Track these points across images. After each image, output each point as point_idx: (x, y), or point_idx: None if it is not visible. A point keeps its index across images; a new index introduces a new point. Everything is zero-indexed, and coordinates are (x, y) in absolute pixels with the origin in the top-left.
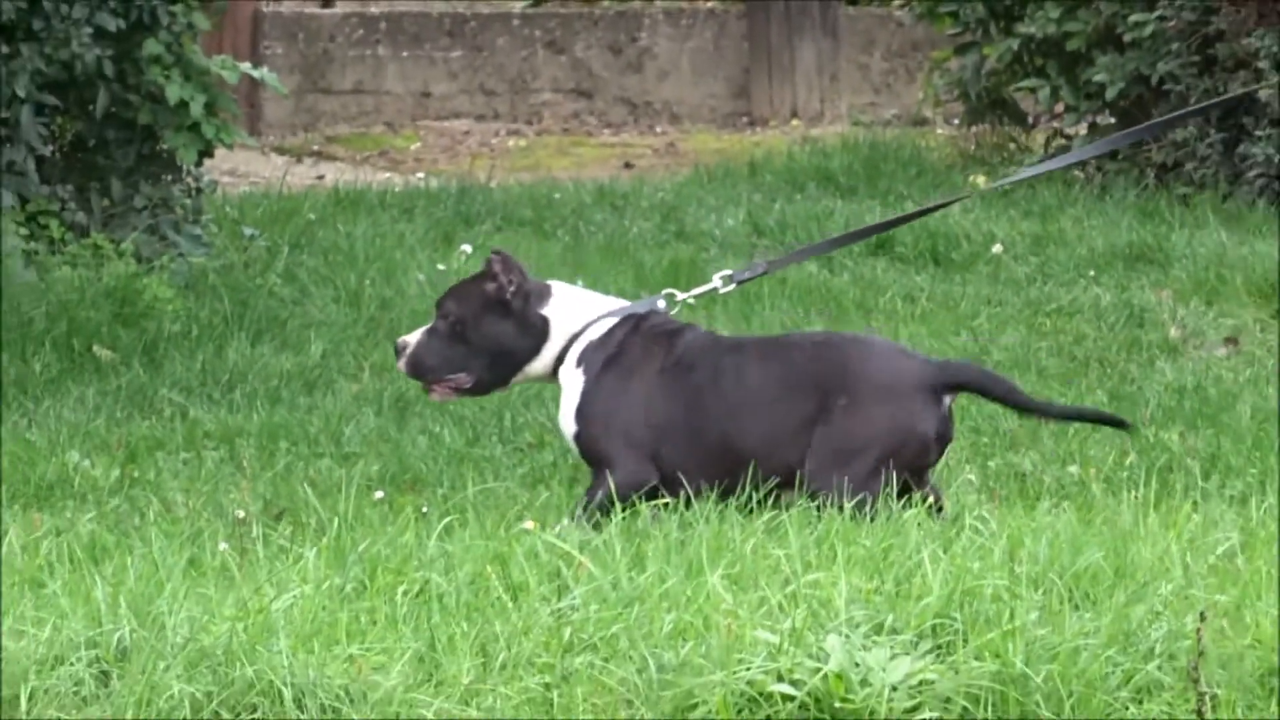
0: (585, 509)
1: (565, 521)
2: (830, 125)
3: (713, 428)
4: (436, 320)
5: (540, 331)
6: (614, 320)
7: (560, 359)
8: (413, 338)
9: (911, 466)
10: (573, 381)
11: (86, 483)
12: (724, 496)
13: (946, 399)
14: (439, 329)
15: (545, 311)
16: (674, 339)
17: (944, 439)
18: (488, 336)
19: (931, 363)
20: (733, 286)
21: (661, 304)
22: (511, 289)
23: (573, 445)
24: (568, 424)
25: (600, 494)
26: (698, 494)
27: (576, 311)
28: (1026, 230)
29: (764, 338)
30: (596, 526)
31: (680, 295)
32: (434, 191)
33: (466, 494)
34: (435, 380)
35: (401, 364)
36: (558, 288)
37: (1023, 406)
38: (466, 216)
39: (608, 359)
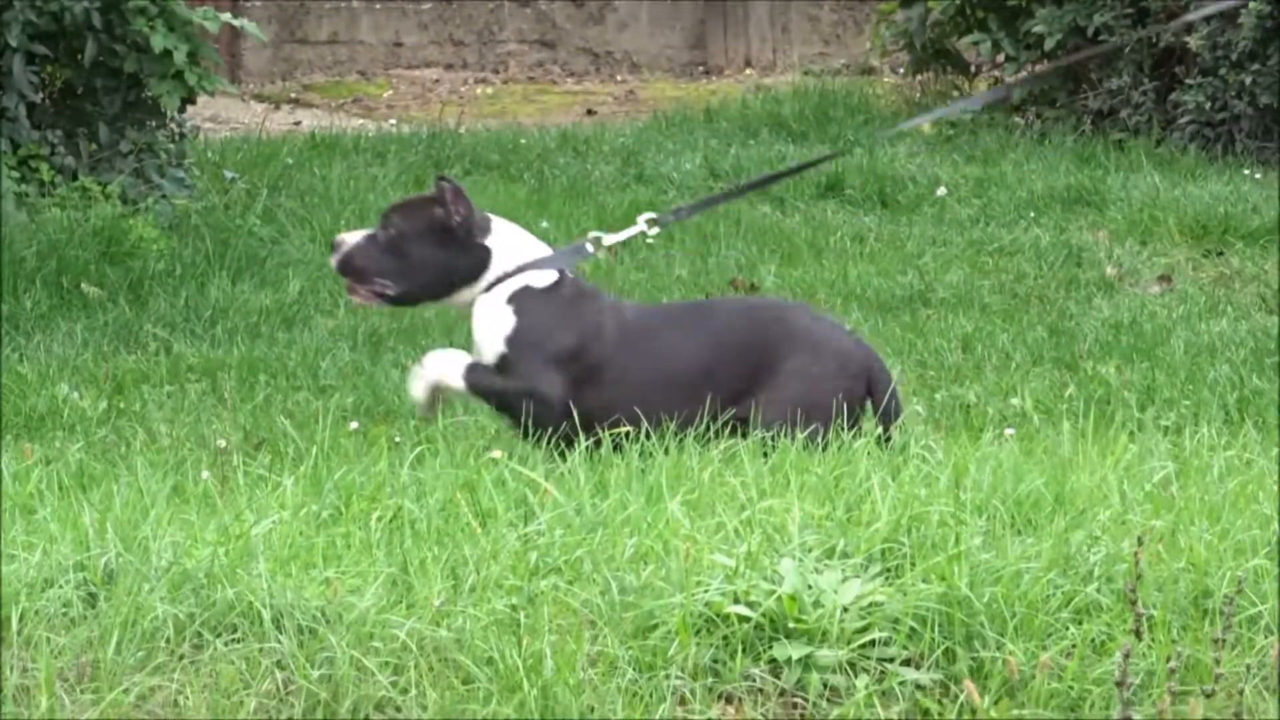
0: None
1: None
2: (782, 74)
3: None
4: (378, 229)
5: (480, 262)
6: (555, 274)
7: (486, 290)
8: (351, 238)
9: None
10: (502, 317)
11: (75, 414)
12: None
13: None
14: (379, 237)
15: (488, 243)
16: (614, 311)
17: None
18: (426, 256)
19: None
20: (655, 230)
21: (589, 247)
22: (458, 218)
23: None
24: (493, 347)
25: (536, 417)
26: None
27: (515, 250)
28: (969, 174)
29: (684, 307)
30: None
31: (606, 239)
32: (405, 137)
33: (437, 425)
34: (361, 282)
35: (334, 260)
36: (498, 223)
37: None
38: (437, 160)
39: (546, 308)
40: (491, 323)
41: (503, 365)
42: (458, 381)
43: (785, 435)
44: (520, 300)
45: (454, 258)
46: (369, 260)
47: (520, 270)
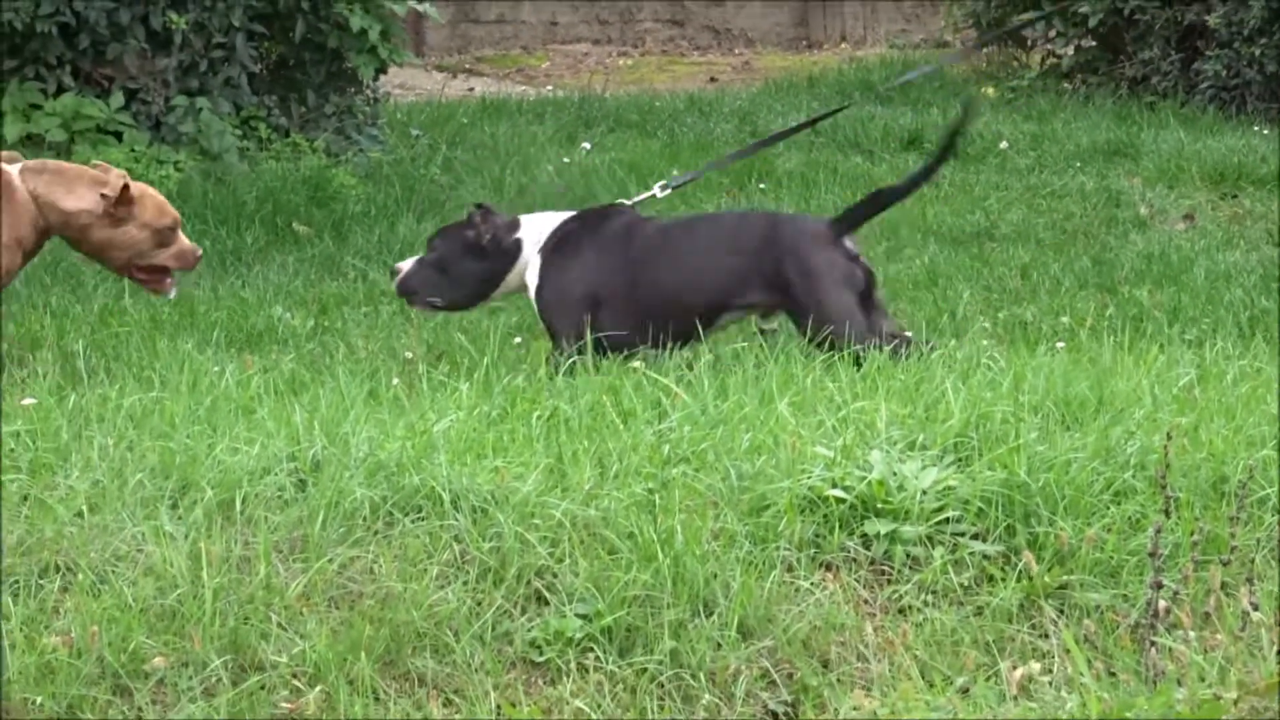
0: (554, 366)
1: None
2: (871, 47)
3: (652, 287)
4: (427, 253)
5: (511, 256)
6: (559, 220)
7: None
8: (405, 265)
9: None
10: (533, 273)
11: (288, 331)
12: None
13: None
14: (427, 260)
15: (518, 236)
16: (608, 221)
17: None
18: (464, 270)
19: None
20: (668, 191)
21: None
22: (486, 237)
23: (539, 317)
24: (535, 302)
25: (560, 356)
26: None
27: (541, 229)
28: (1026, 130)
29: (685, 217)
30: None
31: (626, 204)
32: (560, 100)
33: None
34: (415, 300)
35: (394, 285)
36: (525, 218)
37: (899, 190)
38: (586, 120)
39: (554, 246)
40: (529, 276)
41: (542, 320)
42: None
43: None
44: (545, 252)
45: (489, 265)
46: (419, 283)
47: (547, 229)
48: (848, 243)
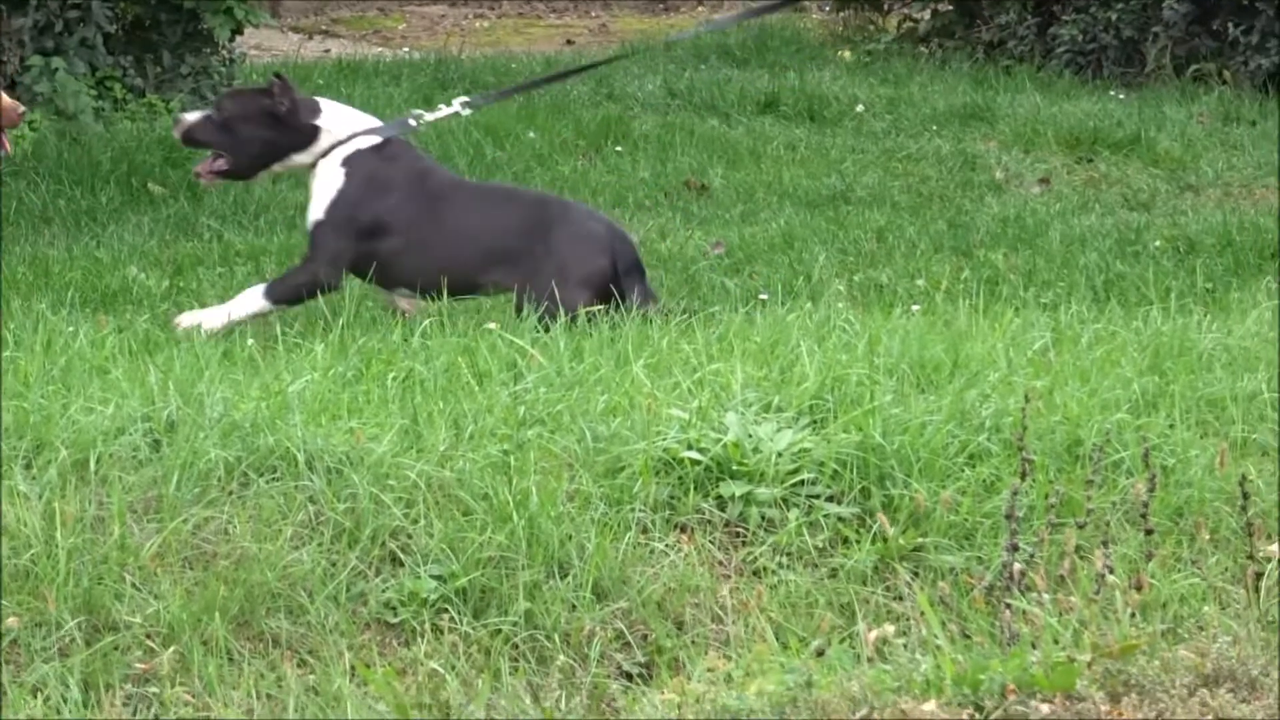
0: (279, 282)
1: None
2: (728, 10)
3: (442, 249)
4: (214, 111)
5: (308, 137)
6: (380, 139)
7: (324, 155)
8: (191, 116)
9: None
10: (333, 176)
11: (142, 291)
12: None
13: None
14: (214, 118)
15: (317, 122)
16: (427, 173)
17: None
18: (255, 136)
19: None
20: (469, 111)
21: (412, 122)
22: (284, 107)
23: (310, 227)
24: (316, 212)
25: (299, 277)
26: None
27: (344, 122)
28: (883, 94)
29: (493, 186)
30: (289, 304)
31: (427, 116)
32: (416, 62)
33: (441, 301)
34: (205, 147)
35: (176, 132)
36: (326, 103)
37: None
38: (442, 82)
39: (369, 172)
40: (323, 186)
41: (311, 233)
42: (264, 305)
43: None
44: (350, 162)
45: (280, 135)
46: (206, 136)
47: (352, 137)
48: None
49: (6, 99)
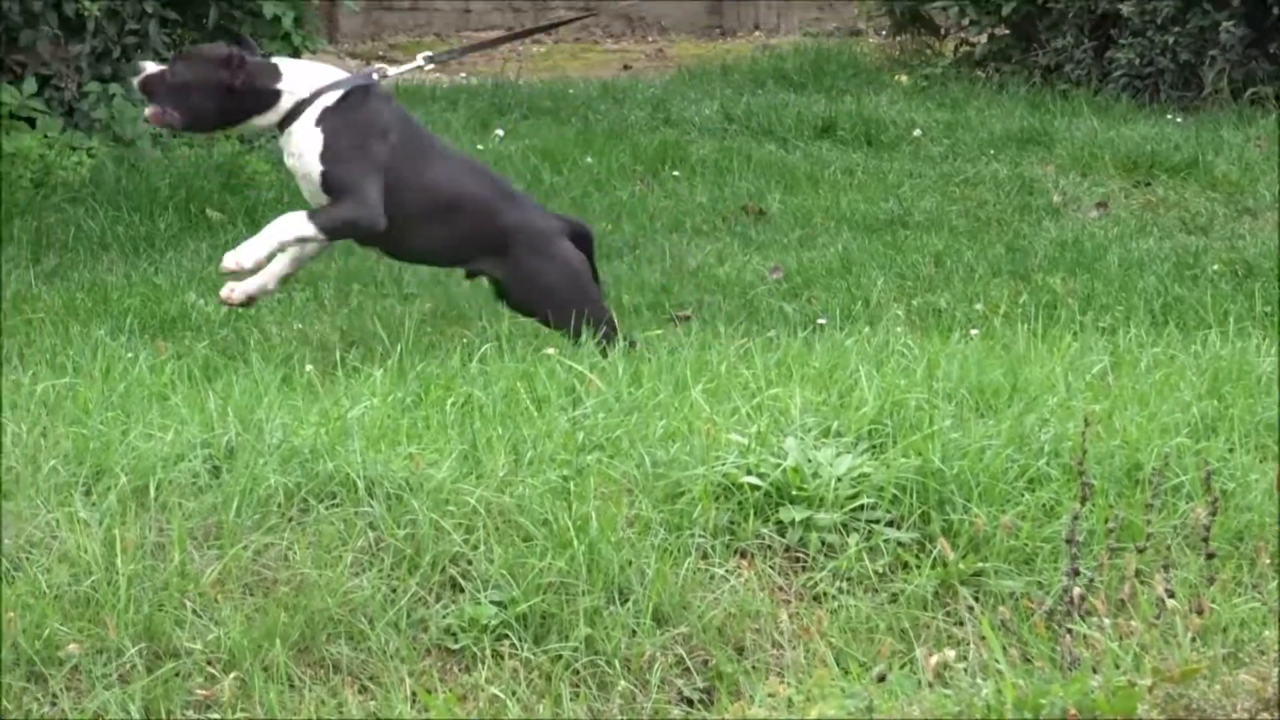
0: (326, 215)
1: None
2: (785, 35)
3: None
4: (170, 71)
5: (267, 101)
6: (343, 90)
7: (290, 118)
8: (150, 67)
9: None
10: (312, 135)
11: (201, 317)
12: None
13: None
14: (169, 79)
15: (278, 86)
16: (405, 117)
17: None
18: (205, 100)
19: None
20: (431, 66)
21: (375, 76)
22: (238, 81)
23: (317, 183)
24: (313, 167)
25: (347, 211)
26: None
27: (305, 82)
28: (940, 118)
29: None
30: (331, 233)
31: (390, 71)
32: (473, 88)
33: (501, 327)
34: (159, 103)
35: (135, 81)
36: (285, 65)
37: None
38: (499, 107)
39: (346, 119)
40: (306, 145)
41: (327, 182)
42: (307, 228)
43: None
44: (324, 119)
45: (235, 102)
46: (165, 89)
47: (316, 95)
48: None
49: None
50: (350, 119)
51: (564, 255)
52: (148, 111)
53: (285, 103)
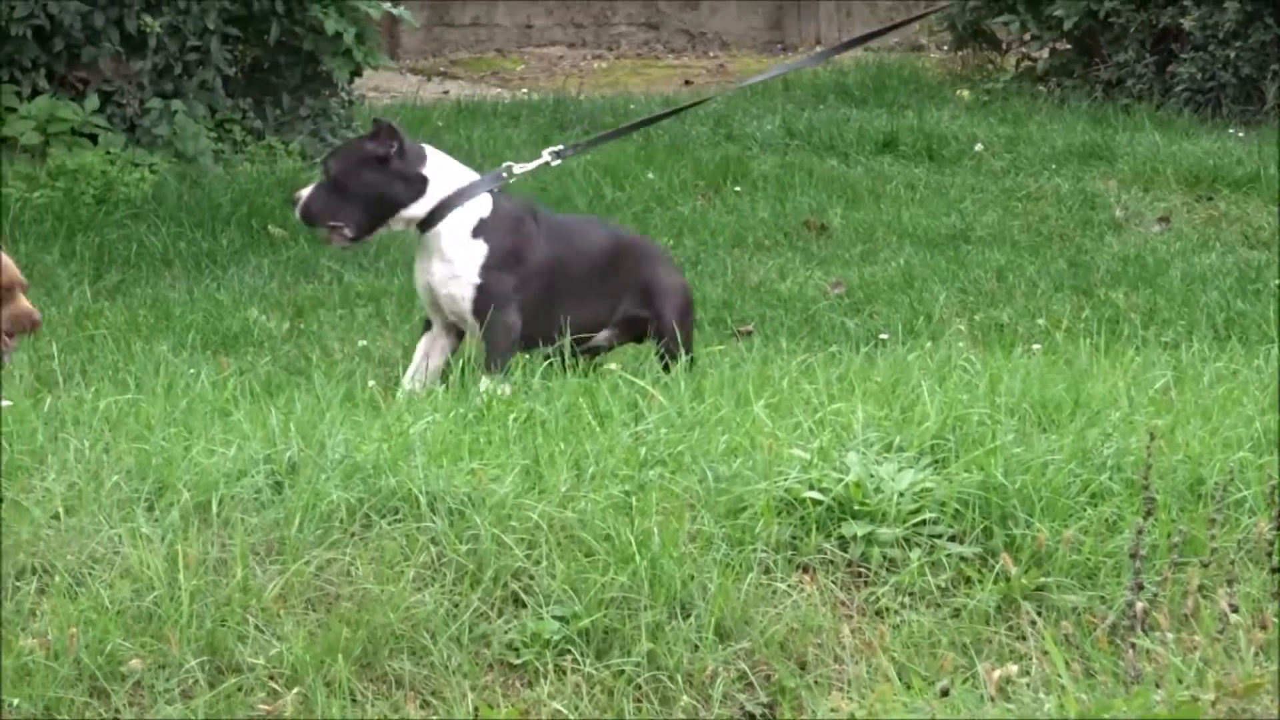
0: (499, 362)
1: (484, 380)
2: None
3: (561, 295)
4: (322, 177)
5: (418, 187)
6: (490, 196)
7: (434, 217)
8: (305, 191)
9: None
10: (469, 248)
11: (263, 333)
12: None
13: None
14: (324, 183)
15: (425, 171)
16: (539, 219)
17: None
18: (366, 187)
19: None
20: (559, 161)
21: (504, 175)
22: (392, 149)
23: (470, 293)
24: (469, 277)
25: (505, 345)
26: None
27: (449, 176)
28: (1002, 133)
29: (596, 225)
30: (505, 368)
31: (517, 168)
32: (535, 103)
33: (563, 342)
34: (323, 225)
35: (295, 212)
36: (431, 151)
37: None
38: (560, 123)
39: (504, 231)
40: (451, 258)
41: (475, 303)
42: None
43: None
44: (481, 231)
45: (391, 185)
46: (321, 205)
47: (458, 195)
48: None
49: (25, 303)
50: (503, 237)
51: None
52: (331, 244)
53: (430, 195)
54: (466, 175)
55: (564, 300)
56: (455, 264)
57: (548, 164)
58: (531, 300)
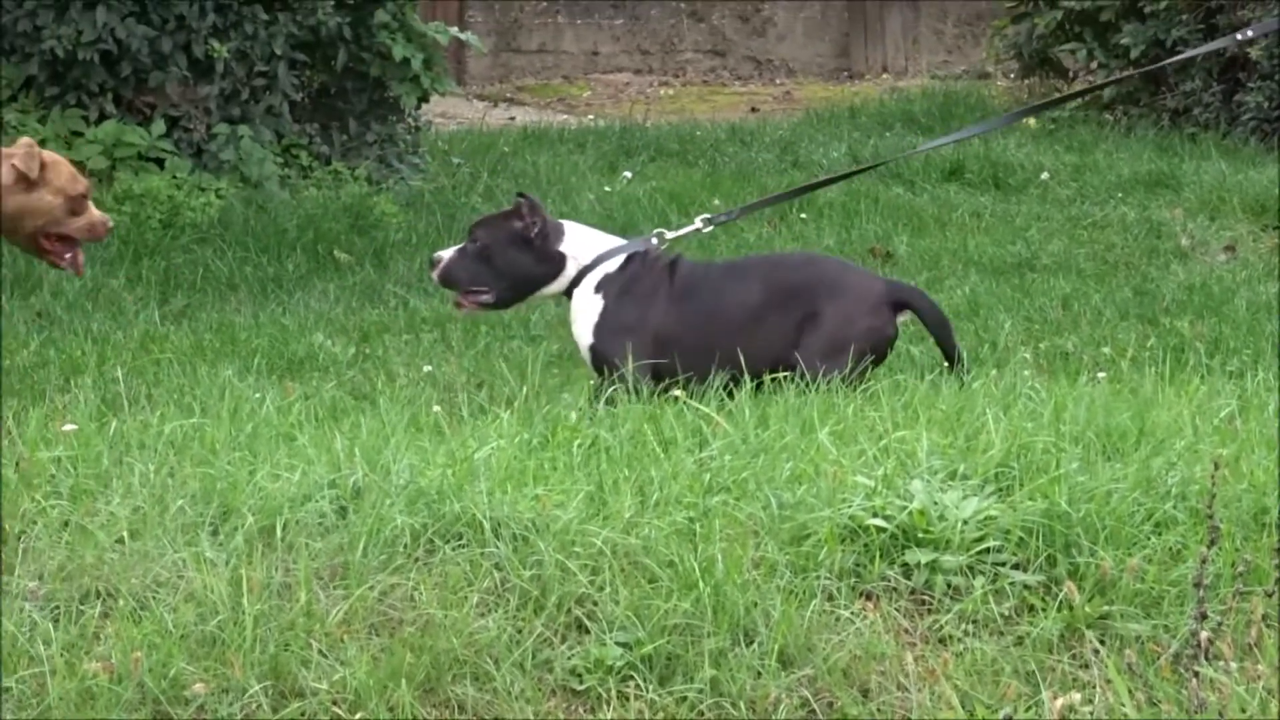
0: (598, 404)
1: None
2: (913, 79)
3: (712, 337)
4: (468, 243)
5: (557, 265)
6: (624, 256)
7: (574, 284)
8: (446, 254)
9: (876, 359)
10: (591, 304)
11: (329, 358)
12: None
13: (901, 313)
14: (469, 250)
15: (562, 248)
16: (674, 269)
17: (894, 341)
18: (511, 264)
19: (889, 282)
20: (710, 228)
21: (654, 241)
22: (535, 229)
23: (587, 355)
24: (585, 338)
25: (608, 394)
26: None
27: (587, 247)
28: (1068, 161)
29: (743, 261)
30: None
31: (669, 234)
32: (601, 130)
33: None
34: (462, 291)
35: (435, 274)
36: (570, 227)
37: (939, 339)
38: (627, 149)
39: (622, 287)
40: (577, 315)
41: (593, 356)
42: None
43: (822, 371)
44: (605, 286)
45: (534, 263)
46: (464, 273)
47: (595, 262)
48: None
49: (96, 211)
50: (625, 289)
51: None
52: (457, 300)
53: (570, 268)
54: (606, 243)
55: (724, 342)
56: (578, 319)
57: (699, 230)
58: (673, 347)
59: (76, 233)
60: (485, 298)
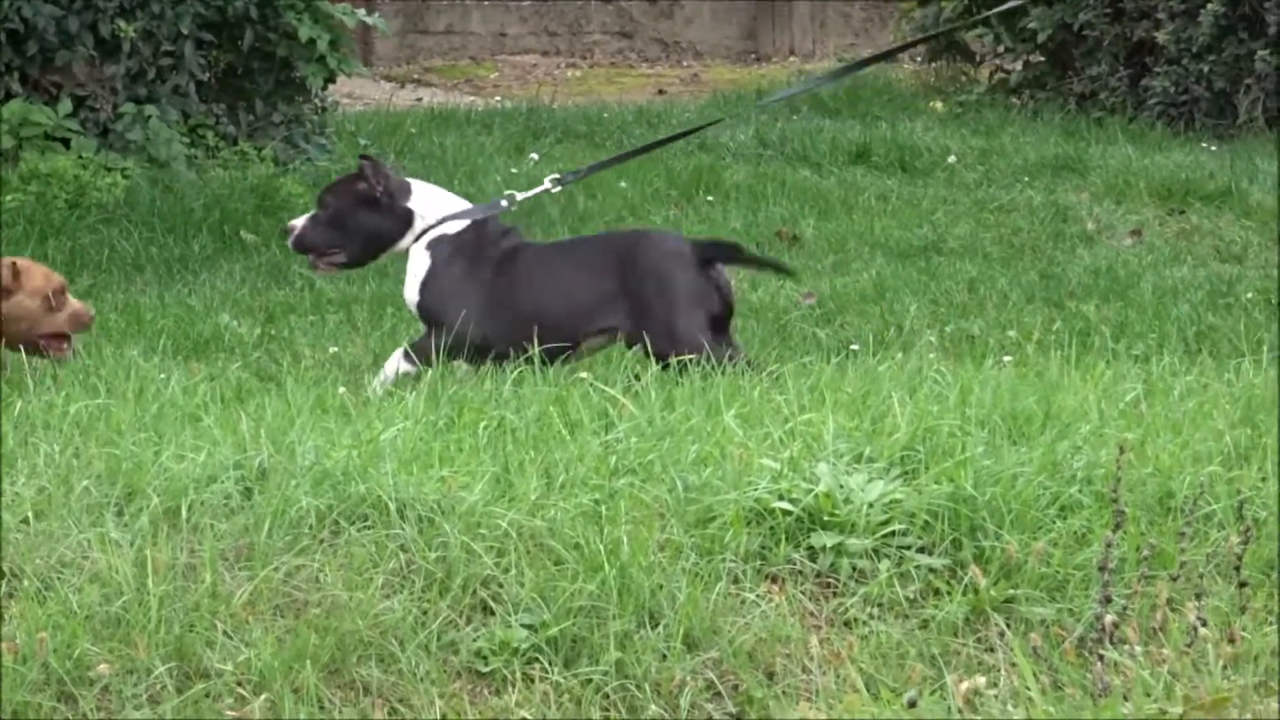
0: (412, 350)
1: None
2: (820, 61)
3: (528, 307)
4: (318, 210)
5: (405, 221)
6: (464, 222)
7: (417, 241)
8: (299, 222)
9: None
10: (421, 261)
11: (234, 339)
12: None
13: (717, 268)
14: (320, 217)
15: (410, 204)
16: (505, 237)
17: (725, 292)
18: (360, 225)
19: (696, 241)
20: (559, 188)
21: (504, 204)
22: (380, 188)
23: (415, 311)
24: (411, 295)
25: (426, 346)
26: (514, 358)
27: (435, 206)
28: (975, 145)
29: (574, 239)
30: (412, 368)
31: (519, 196)
32: (508, 111)
33: (534, 351)
34: (316, 255)
35: (289, 242)
36: (417, 185)
37: (761, 266)
38: (534, 131)
39: (454, 250)
40: (408, 271)
41: (419, 312)
42: (406, 366)
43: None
44: (435, 247)
45: (381, 221)
46: (317, 238)
47: (441, 222)
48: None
49: (76, 302)
50: (456, 252)
51: None
52: (318, 272)
53: (417, 225)
54: (454, 205)
55: (542, 312)
56: (408, 276)
57: (549, 190)
58: (493, 312)
59: (63, 327)
60: (339, 258)
